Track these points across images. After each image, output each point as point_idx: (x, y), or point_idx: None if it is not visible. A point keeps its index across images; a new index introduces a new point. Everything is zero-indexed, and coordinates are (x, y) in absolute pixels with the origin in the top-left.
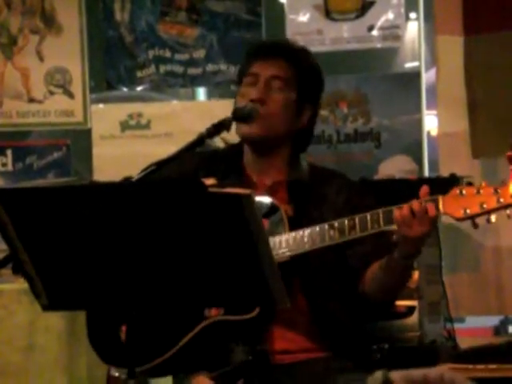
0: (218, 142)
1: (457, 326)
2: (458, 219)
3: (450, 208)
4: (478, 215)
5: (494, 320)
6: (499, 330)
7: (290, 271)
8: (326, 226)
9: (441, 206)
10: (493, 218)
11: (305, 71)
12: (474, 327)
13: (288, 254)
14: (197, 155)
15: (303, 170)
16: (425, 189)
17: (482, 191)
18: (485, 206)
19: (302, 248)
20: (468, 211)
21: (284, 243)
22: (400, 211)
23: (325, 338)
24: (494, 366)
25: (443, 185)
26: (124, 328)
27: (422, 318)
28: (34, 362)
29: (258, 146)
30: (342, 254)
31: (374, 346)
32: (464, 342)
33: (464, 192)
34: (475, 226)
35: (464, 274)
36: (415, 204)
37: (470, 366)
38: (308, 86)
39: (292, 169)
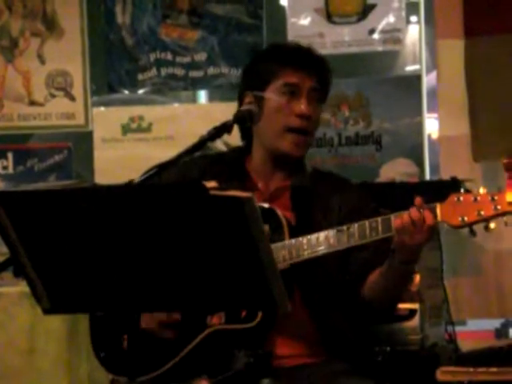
0: (219, 145)
1: (458, 328)
2: (455, 227)
3: (448, 215)
4: (475, 223)
5: (495, 323)
6: (500, 333)
7: (290, 279)
8: (326, 234)
9: (438, 214)
10: (492, 225)
11: (329, 84)
12: (476, 330)
13: (288, 261)
14: (202, 159)
15: (307, 174)
16: (418, 200)
17: (479, 198)
18: (482, 213)
19: (301, 256)
20: (465, 219)
21: (283, 250)
22: (400, 219)
23: (326, 343)
24: (495, 369)
25: (444, 188)
26: (126, 337)
27: (424, 321)
28: (35, 366)
29: (293, 160)
30: (343, 260)
31: (375, 349)
32: (465, 345)
33: (461, 199)
34: (473, 233)
35: (465, 277)
36: (414, 212)
37: (471, 369)
38: (327, 94)
39: (297, 174)
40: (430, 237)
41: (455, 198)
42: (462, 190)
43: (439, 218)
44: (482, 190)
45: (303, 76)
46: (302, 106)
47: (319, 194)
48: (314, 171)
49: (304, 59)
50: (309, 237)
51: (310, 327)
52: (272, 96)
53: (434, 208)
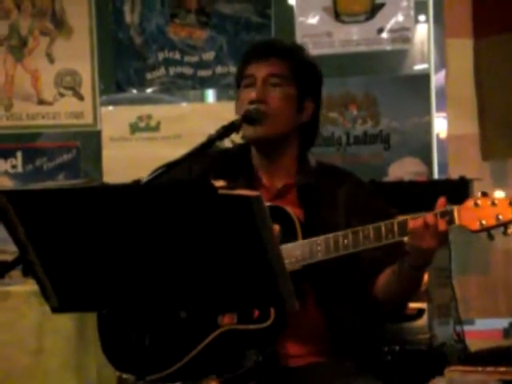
0: (227, 144)
1: (466, 328)
2: (474, 231)
3: (466, 220)
4: (494, 227)
5: (503, 322)
6: (509, 332)
7: (303, 280)
8: (340, 235)
9: (456, 218)
10: (510, 230)
11: (300, 65)
12: (484, 329)
13: (301, 262)
14: (206, 155)
15: (312, 170)
16: (442, 201)
17: (497, 202)
18: (500, 217)
19: (315, 257)
20: (484, 223)
21: (296, 251)
22: (414, 222)
23: (337, 343)
24: (503, 369)
25: (452, 187)
26: (135, 336)
27: (432, 321)
28: (44, 365)
29: (265, 147)
30: (355, 259)
31: (384, 348)
32: (473, 344)
33: (479, 203)
34: (491, 237)
35: (474, 276)
36: (429, 217)
37: (480, 369)
38: (306, 79)
39: (301, 170)
40: (441, 242)
41: (472, 202)
42: (479, 194)
43: (457, 222)
44: (498, 194)
45: (258, 66)
46: (251, 93)
47: (325, 190)
48: (318, 165)
49: (259, 51)
50: (322, 237)
51: (321, 327)
52: (239, 93)
53: (451, 212)
